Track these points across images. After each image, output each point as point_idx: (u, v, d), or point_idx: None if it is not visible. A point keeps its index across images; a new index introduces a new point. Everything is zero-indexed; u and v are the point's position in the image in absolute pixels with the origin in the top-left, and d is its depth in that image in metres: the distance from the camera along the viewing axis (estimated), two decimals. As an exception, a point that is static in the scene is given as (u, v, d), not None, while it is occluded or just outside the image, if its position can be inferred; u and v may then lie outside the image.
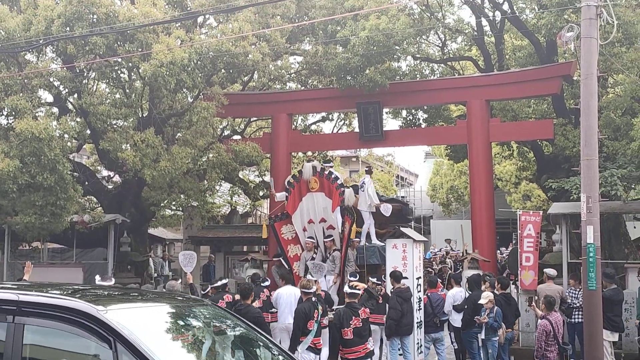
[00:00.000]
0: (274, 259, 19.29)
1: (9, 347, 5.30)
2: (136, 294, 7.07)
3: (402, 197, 43.39)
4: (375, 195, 18.01)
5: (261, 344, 6.35)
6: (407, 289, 13.94)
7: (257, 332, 6.55)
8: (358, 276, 14.62)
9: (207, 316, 6.34)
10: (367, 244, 17.64)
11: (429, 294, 14.88)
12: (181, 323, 5.98)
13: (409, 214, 21.20)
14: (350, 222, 16.63)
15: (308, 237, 17.57)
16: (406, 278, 14.12)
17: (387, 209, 17.62)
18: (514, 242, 26.50)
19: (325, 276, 16.60)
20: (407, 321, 13.62)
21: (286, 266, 17.85)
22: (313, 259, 17.10)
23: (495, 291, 14.44)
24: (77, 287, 8.33)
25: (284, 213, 18.35)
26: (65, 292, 5.91)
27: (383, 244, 17.36)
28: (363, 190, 17.73)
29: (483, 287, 14.38)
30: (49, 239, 22.95)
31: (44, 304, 5.42)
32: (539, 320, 12.61)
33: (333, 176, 17.59)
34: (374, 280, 14.56)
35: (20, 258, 23.94)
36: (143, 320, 5.55)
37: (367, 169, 19.13)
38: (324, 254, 17.17)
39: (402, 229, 16.04)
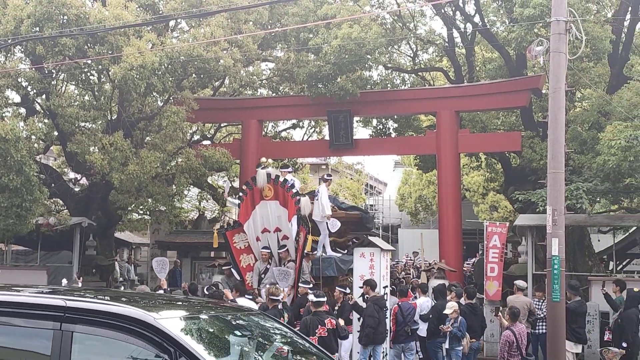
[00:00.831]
0: (224, 268, 18.68)
1: (56, 356, 4.95)
2: (185, 302, 6.75)
3: (371, 205, 43.49)
4: (328, 205, 17.14)
5: (315, 356, 6.03)
6: (383, 297, 13.95)
7: (308, 342, 6.30)
8: (311, 284, 14.54)
9: (260, 325, 6.05)
10: (323, 255, 16.87)
11: (399, 303, 14.88)
12: (238, 333, 5.70)
13: (369, 222, 20.53)
14: (305, 232, 15.94)
15: (263, 248, 16.72)
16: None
17: (334, 225, 16.80)
18: (480, 252, 26.66)
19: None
20: (382, 329, 13.64)
21: (237, 276, 17.00)
22: (267, 269, 16.41)
23: (462, 301, 14.52)
24: (123, 292, 8.04)
25: (236, 222, 17.59)
26: (113, 298, 5.63)
27: (340, 255, 17.12)
28: (317, 199, 17.03)
29: (449, 297, 14.44)
30: (13, 240, 22.65)
31: (94, 311, 5.09)
32: (504, 331, 12.69)
33: (288, 184, 16.76)
34: (342, 290, 14.53)
35: (-17, 259, 23.62)
36: (200, 330, 5.29)
37: (322, 177, 18.72)
38: (278, 265, 16.45)
39: (369, 237, 16.02)
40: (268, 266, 16.40)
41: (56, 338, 5.00)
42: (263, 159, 17.68)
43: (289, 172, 17.80)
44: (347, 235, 19.02)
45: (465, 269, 24.51)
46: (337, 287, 14.89)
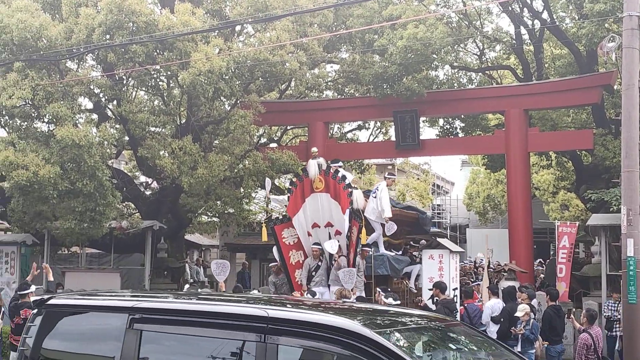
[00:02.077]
0: (271, 265, 17.67)
1: None
2: (384, 312, 6.18)
3: (438, 205, 43.14)
4: (389, 207, 16.30)
5: None
6: (453, 300, 13.83)
7: (515, 354, 5.89)
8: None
9: (465, 335, 5.63)
10: (375, 253, 16.20)
11: (465, 305, 14.76)
12: (452, 345, 5.34)
13: (427, 223, 19.59)
14: (357, 225, 15.15)
15: (314, 244, 15.87)
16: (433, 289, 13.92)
17: (391, 228, 16.19)
18: (552, 253, 26.26)
19: (329, 286, 15.31)
20: (452, 332, 13.50)
21: (284, 274, 16.45)
22: (318, 267, 15.74)
23: (534, 302, 14.31)
24: (312, 301, 7.47)
25: (285, 215, 16.89)
26: (311, 308, 5.32)
27: (394, 254, 16.68)
28: (375, 197, 16.37)
29: (520, 299, 14.24)
30: (87, 244, 23.20)
31: (299, 321, 4.80)
32: (581, 334, 12.48)
33: (340, 175, 15.88)
34: (381, 291, 14.11)
35: (59, 262, 24.26)
36: (414, 341, 4.93)
37: (387, 175, 18.03)
38: (329, 262, 15.70)
39: (438, 239, 15.88)
40: (319, 263, 15.79)
41: (260, 351, 4.73)
42: (314, 149, 17.18)
43: (339, 167, 17.06)
44: (402, 237, 18.35)
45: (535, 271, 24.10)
46: (378, 289, 14.42)
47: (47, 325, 6.09)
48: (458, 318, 14.34)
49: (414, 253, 18.31)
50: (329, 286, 15.28)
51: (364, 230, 15.27)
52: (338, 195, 15.81)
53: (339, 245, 15.52)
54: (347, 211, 15.40)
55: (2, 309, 15.99)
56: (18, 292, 12.43)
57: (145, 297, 6.21)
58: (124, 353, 5.29)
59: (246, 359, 4.81)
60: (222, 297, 6.42)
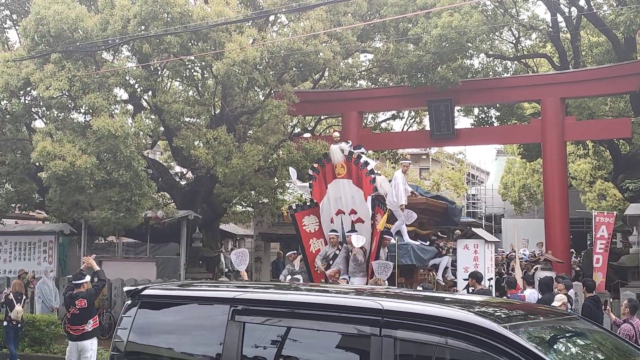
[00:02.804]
0: (288, 254, 17.34)
1: None
2: (503, 304, 5.63)
3: (473, 195, 42.91)
4: (403, 195, 15.90)
5: None
6: (489, 291, 13.68)
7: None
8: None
9: (589, 330, 5.23)
10: (399, 241, 15.76)
11: (509, 295, 14.65)
12: (580, 342, 4.99)
13: (456, 214, 19.08)
14: (382, 213, 14.83)
15: (331, 231, 15.51)
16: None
17: (409, 217, 15.79)
18: (589, 243, 25.95)
19: (349, 277, 14.88)
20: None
21: (304, 263, 16.09)
22: (336, 255, 15.35)
23: (570, 293, 14.15)
24: (431, 293, 7.08)
25: (306, 202, 16.55)
26: (430, 300, 5.03)
27: (419, 243, 16.45)
28: (392, 186, 16.02)
29: (556, 290, 14.09)
30: (123, 233, 23.44)
31: (417, 314, 4.53)
32: (623, 325, 12.31)
33: (362, 161, 15.50)
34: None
35: (96, 252, 24.55)
36: (542, 337, 4.62)
37: (401, 161, 17.43)
38: (349, 250, 15.17)
39: (473, 229, 15.77)
40: (337, 252, 15.43)
41: (376, 346, 4.46)
42: (336, 134, 16.97)
43: (362, 153, 16.66)
44: (430, 227, 18.03)
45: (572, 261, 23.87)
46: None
47: (142, 317, 5.93)
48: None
49: (441, 244, 18.11)
50: (348, 277, 14.96)
51: (384, 218, 14.99)
52: (360, 182, 15.53)
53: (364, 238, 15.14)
54: (370, 198, 15.10)
55: (24, 297, 16.23)
56: (73, 282, 12.50)
57: (247, 287, 6.00)
58: (226, 346, 5.11)
59: (360, 354, 4.60)
60: (328, 289, 6.12)
